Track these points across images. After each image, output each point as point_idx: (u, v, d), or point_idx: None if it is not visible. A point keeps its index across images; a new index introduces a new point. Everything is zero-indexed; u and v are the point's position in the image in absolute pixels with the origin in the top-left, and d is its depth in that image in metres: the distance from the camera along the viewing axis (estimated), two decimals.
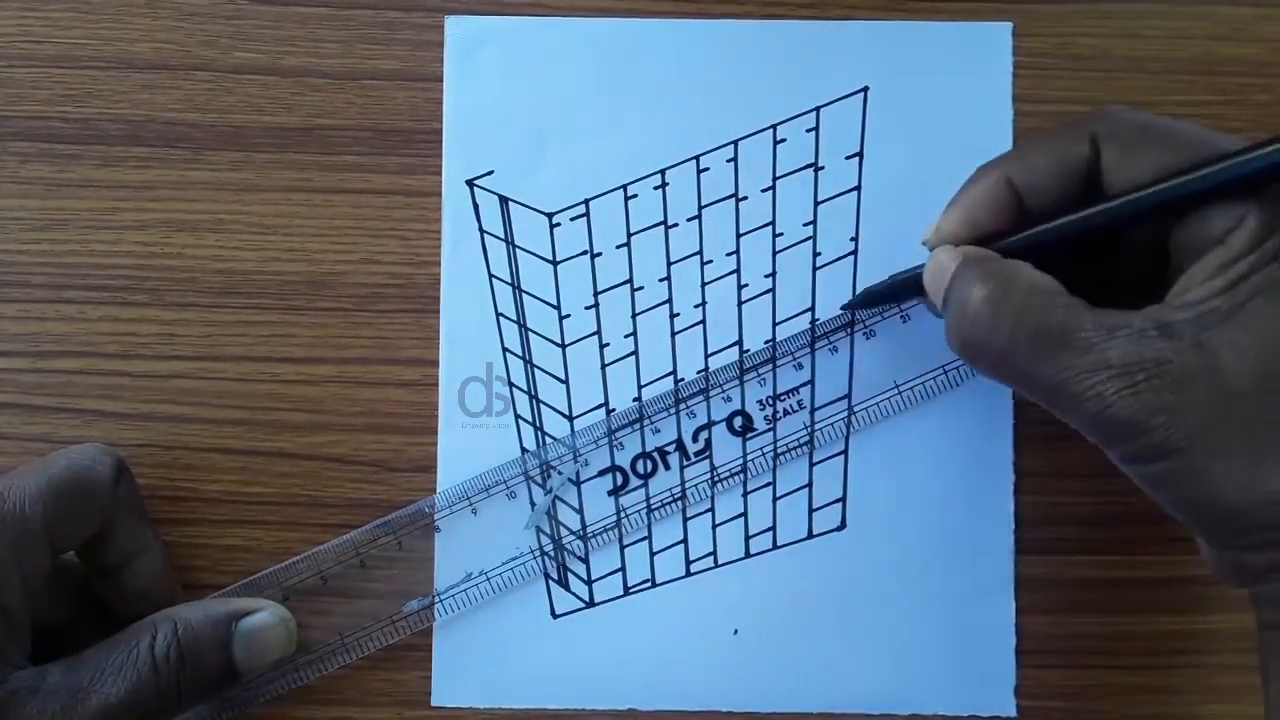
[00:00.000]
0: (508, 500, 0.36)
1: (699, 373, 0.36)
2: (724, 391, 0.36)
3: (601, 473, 0.36)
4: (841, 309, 0.36)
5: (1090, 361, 0.25)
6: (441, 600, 0.35)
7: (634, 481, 0.36)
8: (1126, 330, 0.25)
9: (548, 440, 0.36)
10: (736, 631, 0.36)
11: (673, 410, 0.36)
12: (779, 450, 0.36)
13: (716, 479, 0.36)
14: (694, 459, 0.36)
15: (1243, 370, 0.24)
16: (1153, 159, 0.27)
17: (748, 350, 0.36)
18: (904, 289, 0.33)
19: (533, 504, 0.36)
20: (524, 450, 0.36)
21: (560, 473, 0.36)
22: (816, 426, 0.36)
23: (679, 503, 0.36)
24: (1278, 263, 0.25)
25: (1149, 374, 0.25)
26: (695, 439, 0.36)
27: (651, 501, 0.36)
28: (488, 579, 0.35)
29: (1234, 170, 0.25)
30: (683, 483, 0.36)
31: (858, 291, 0.36)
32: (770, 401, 0.36)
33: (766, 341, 0.36)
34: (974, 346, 0.28)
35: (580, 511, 0.36)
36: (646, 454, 0.36)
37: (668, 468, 0.36)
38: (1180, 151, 0.26)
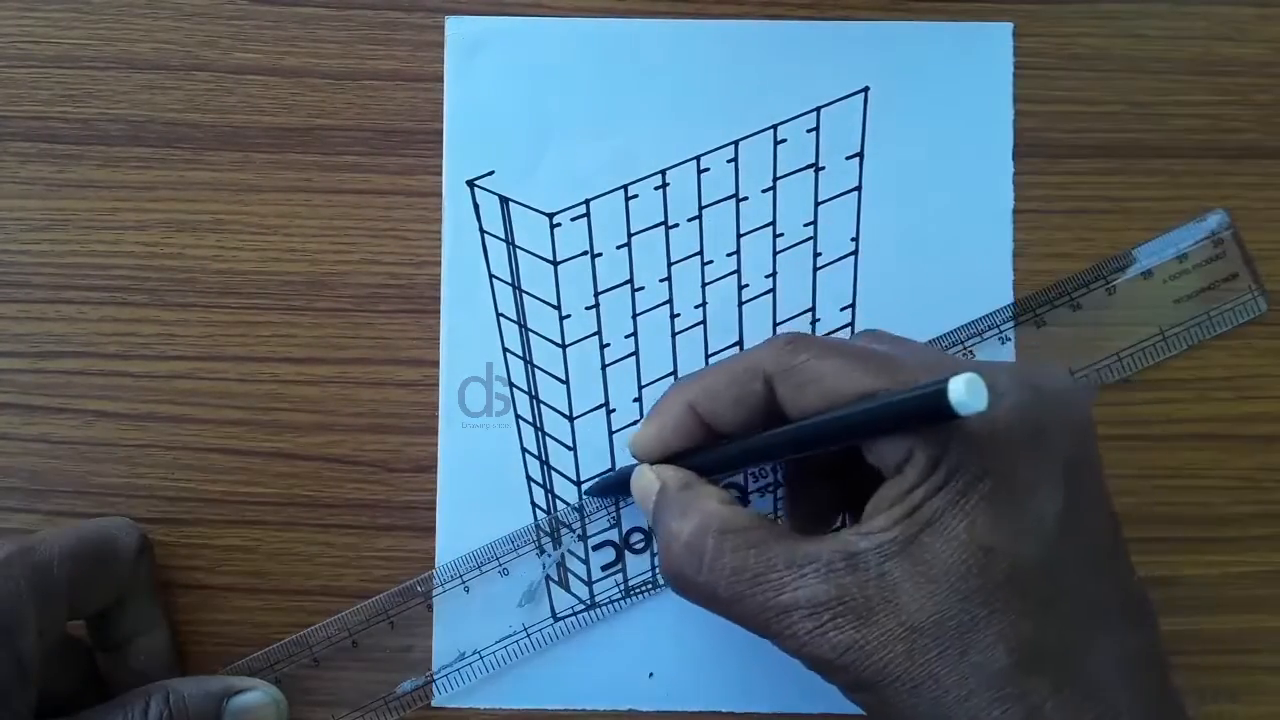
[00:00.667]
0: (500, 577, 0.36)
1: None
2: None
3: (598, 547, 0.36)
4: (585, 492, 0.36)
5: (784, 602, 0.26)
6: (437, 680, 0.35)
7: (629, 556, 0.36)
8: (814, 565, 0.25)
9: (540, 514, 0.36)
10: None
11: None
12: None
13: None
14: None
15: (917, 604, 0.24)
16: (821, 391, 0.27)
17: None
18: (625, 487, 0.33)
19: (544, 547, 0.36)
20: (524, 450, 0.36)
21: (554, 550, 0.36)
22: None
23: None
24: (942, 495, 0.25)
25: (835, 612, 0.25)
26: None
27: (652, 573, 0.36)
28: (481, 658, 0.35)
29: (881, 411, 0.25)
30: None
31: (597, 479, 0.36)
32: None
33: None
34: (682, 584, 0.28)
35: (580, 511, 0.36)
36: (644, 528, 0.36)
37: None
38: (854, 380, 0.26)
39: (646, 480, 0.31)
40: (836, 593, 0.25)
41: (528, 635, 0.36)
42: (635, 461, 0.32)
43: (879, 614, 0.25)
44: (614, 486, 0.35)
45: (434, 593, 0.36)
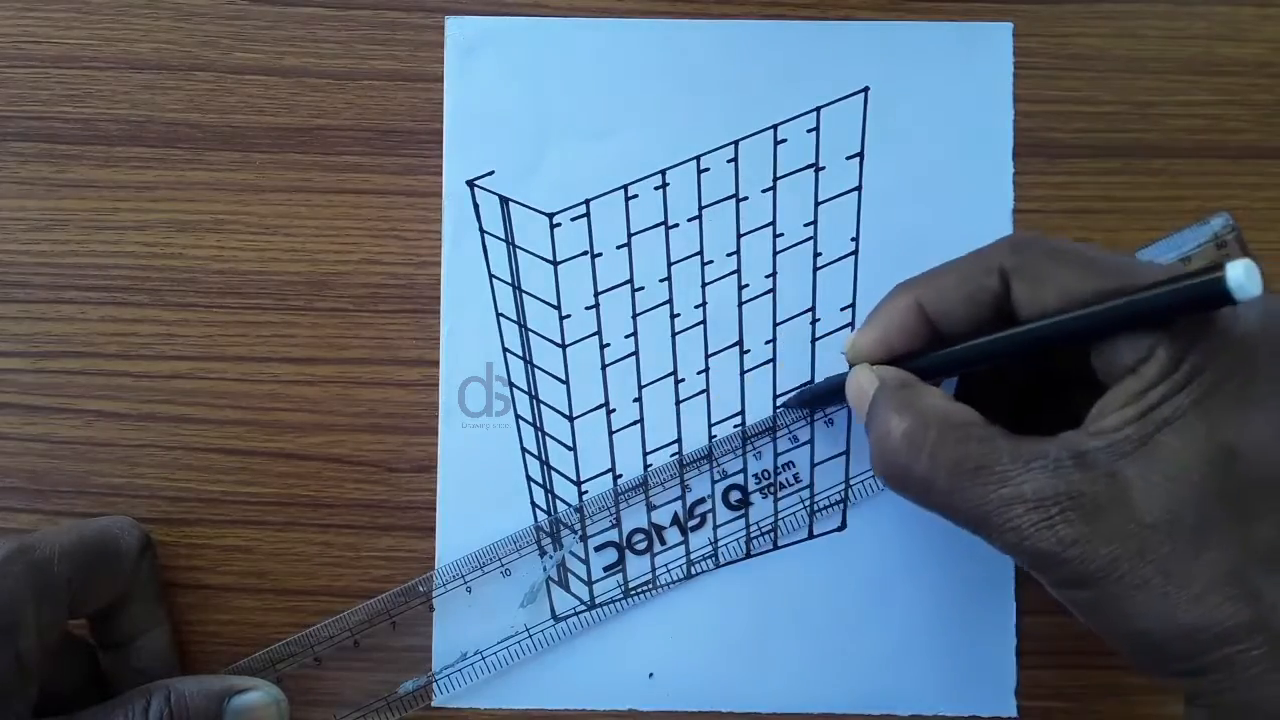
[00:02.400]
0: (502, 578, 0.36)
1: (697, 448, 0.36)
2: (720, 465, 0.36)
3: (599, 548, 0.36)
4: (780, 406, 0.36)
5: (1006, 495, 0.26)
6: (438, 680, 0.35)
7: (630, 557, 0.36)
8: (1041, 462, 0.25)
9: (540, 515, 0.36)
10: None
11: (668, 484, 0.36)
12: (778, 525, 0.36)
13: (716, 548, 0.36)
14: (691, 532, 0.36)
15: (1152, 502, 0.24)
16: (1060, 289, 0.27)
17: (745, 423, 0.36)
18: (835, 394, 0.33)
19: (545, 551, 0.36)
20: (524, 450, 0.36)
21: (555, 551, 0.36)
22: (816, 497, 0.36)
23: (664, 578, 0.36)
24: (1185, 394, 0.24)
25: (1063, 506, 0.25)
26: (692, 514, 0.36)
27: (652, 573, 0.36)
28: (483, 658, 0.35)
29: (1140, 304, 0.25)
30: (688, 554, 0.36)
31: (798, 391, 0.36)
32: (768, 474, 0.36)
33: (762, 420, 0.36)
34: (897, 478, 0.28)
35: (580, 511, 0.36)
36: (644, 529, 0.36)
37: (664, 542, 0.36)
38: (1091, 279, 0.26)
39: (864, 378, 0.30)
40: (1065, 488, 0.25)
41: (529, 636, 0.36)
42: (840, 372, 0.32)
43: (1109, 511, 0.25)
44: (816, 397, 0.35)
45: (435, 593, 0.36)
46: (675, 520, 0.36)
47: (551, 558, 0.36)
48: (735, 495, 0.36)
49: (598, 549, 0.36)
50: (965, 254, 0.30)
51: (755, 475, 0.36)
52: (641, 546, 0.36)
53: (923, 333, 0.30)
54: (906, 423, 0.28)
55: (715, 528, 0.36)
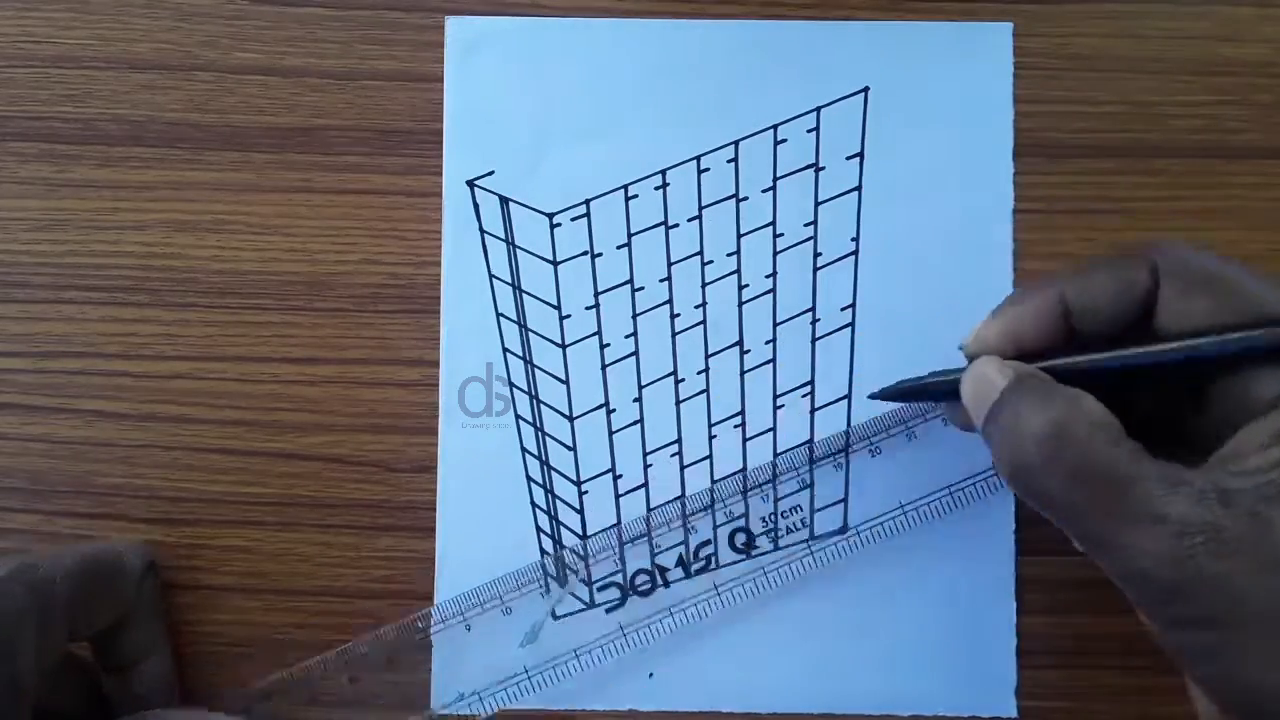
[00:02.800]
0: (502, 616, 0.36)
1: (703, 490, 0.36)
2: (726, 507, 0.36)
3: (602, 588, 0.36)
4: (870, 397, 0.34)
5: (1146, 515, 0.24)
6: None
7: (632, 598, 0.36)
8: (1188, 489, 0.24)
9: (547, 553, 0.36)
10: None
11: (674, 526, 0.36)
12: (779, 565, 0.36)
13: (718, 591, 0.36)
14: (693, 574, 0.36)
15: None
16: (1210, 304, 0.26)
17: (751, 467, 0.36)
18: (939, 391, 0.31)
19: (550, 575, 0.36)
20: (524, 450, 0.36)
21: (557, 589, 0.36)
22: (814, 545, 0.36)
23: (673, 618, 0.36)
24: None
25: (1207, 537, 0.23)
26: (697, 556, 0.36)
27: (650, 619, 0.36)
28: (480, 700, 0.35)
29: None
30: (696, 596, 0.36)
31: (895, 385, 0.33)
32: (772, 519, 0.36)
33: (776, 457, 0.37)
34: (1026, 476, 0.26)
35: (580, 511, 0.36)
36: (648, 570, 0.36)
37: (667, 585, 0.36)
38: (1238, 302, 0.25)
39: (992, 370, 0.28)
40: (1211, 518, 0.23)
41: (528, 677, 0.35)
42: (947, 368, 0.30)
43: (1251, 552, 0.23)
44: (920, 391, 0.32)
45: (434, 629, 0.35)
46: (680, 562, 0.36)
47: (554, 595, 0.36)
48: (741, 538, 0.36)
49: (600, 589, 0.36)
50: (1105, 256, 0.28)
51: (762, 518, 0.36)
52: (646, 588, 0.36)
53: (1059, 332, 0.28)
54: (1053, 414, 0.26)
55: (715, 529, 0.36)
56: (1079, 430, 0.25)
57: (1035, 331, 0.29)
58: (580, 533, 0.36)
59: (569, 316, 0.36)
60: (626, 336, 0.36)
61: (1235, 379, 0.25)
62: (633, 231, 0.36)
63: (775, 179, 0.36)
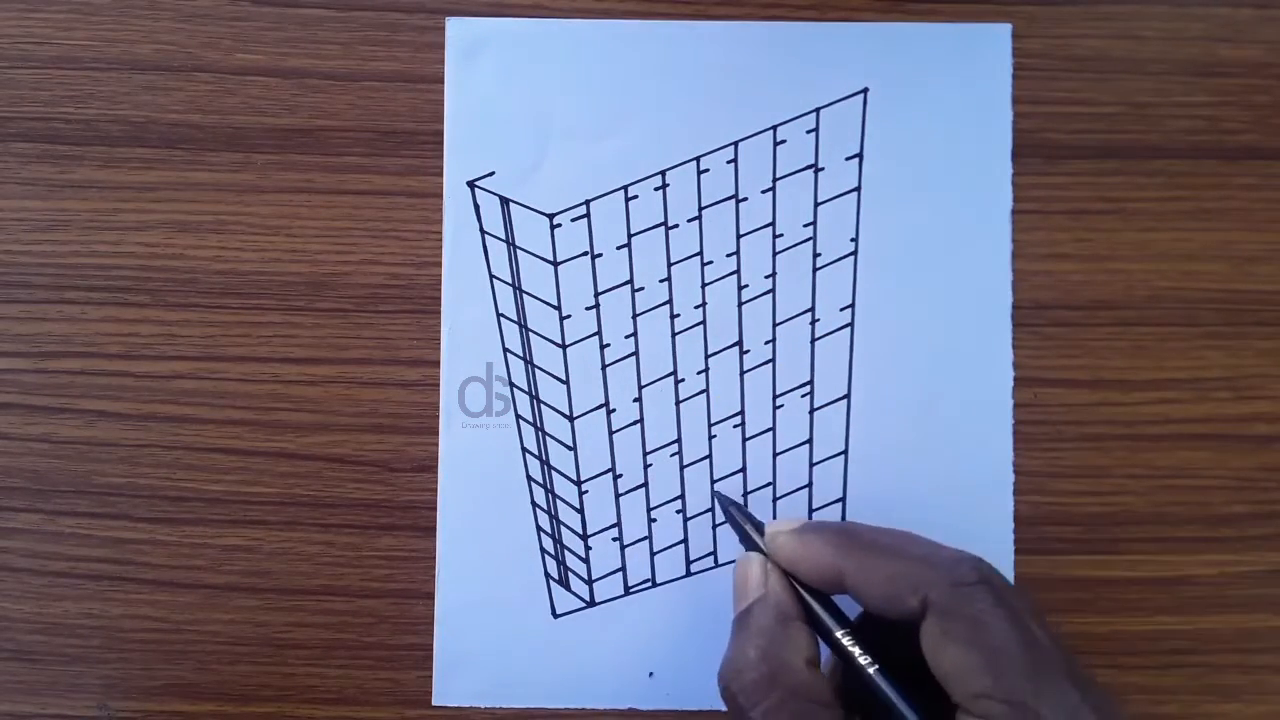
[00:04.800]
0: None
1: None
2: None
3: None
4: (716, 493, 0.36)
5: None
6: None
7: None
8: None
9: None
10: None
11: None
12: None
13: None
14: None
15: None
16: (969, 662, 0.27)
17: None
18: (741, 534, 0.33)
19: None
20: (525, 450, 0.36)
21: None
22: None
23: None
24: None
25: None
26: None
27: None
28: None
29: None
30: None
31: (731, 502, 0.35)
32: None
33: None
34: (728, 702, 0.29)
35: (580, 511, 0.36)
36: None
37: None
38: (976, 679, 0.26)
39: (754, 576, 0.31)
40: None
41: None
42: (758, 518, 0.33)
43: None
44: (736, 523, 0.34)
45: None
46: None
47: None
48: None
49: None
50: (920, 542, 0.30)
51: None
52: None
53: (835, 587, 0.30)
54: (761, 671, 0.28)
55: (714, 528, 0.36)
56: (776, 691, 0.28)
57: (812, 575, 0.30)
58: (580, 533, 0.36)
59: (569, 317, 0.36)
60: (626, 337, 0.36)
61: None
62: (633, 232, 0.36)
63: (775, 179, 0.37)
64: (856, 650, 0.29)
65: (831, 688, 0.29)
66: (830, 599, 0.30)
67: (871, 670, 0.28)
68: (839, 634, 0.29)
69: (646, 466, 0.37)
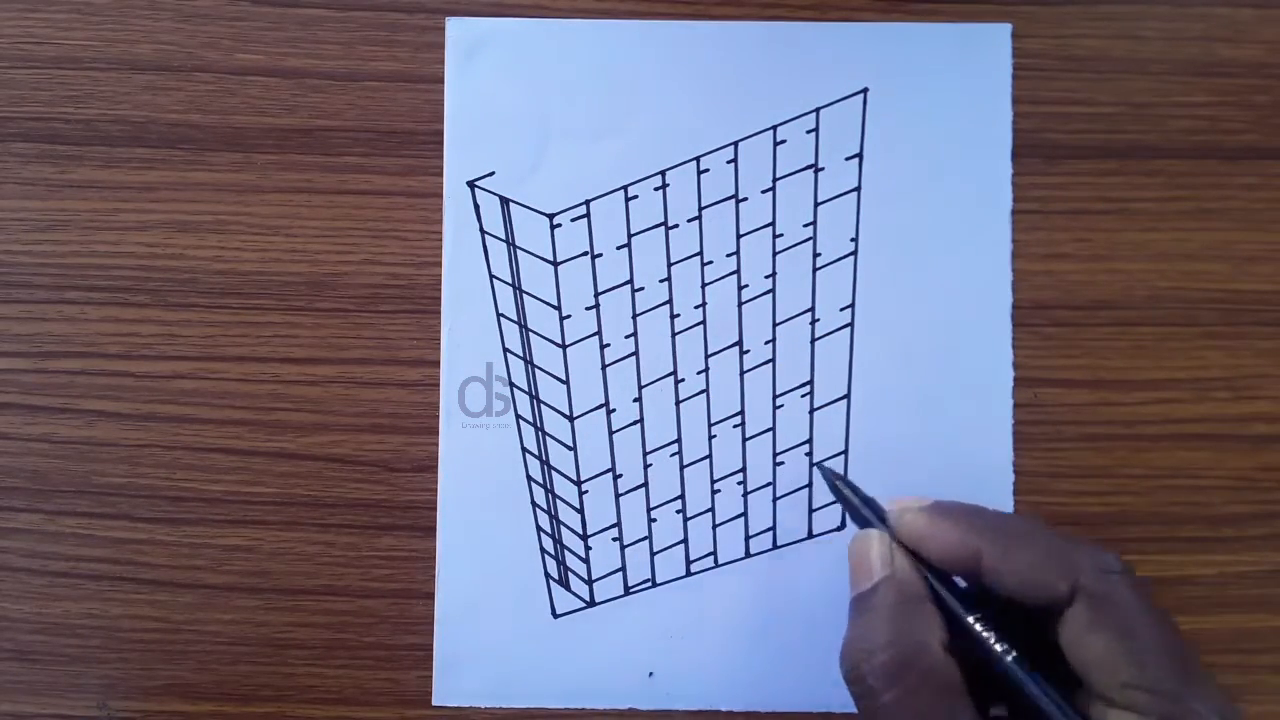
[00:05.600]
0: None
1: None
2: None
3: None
4: (817, 465, 0.36)
5: None
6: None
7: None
8: None
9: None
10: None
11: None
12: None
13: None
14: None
15: None
16: (1106, 651, 0.26)
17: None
18: (853, 511, 0.32)
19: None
20: (525, 450, 0.36)
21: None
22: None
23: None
24: None
25: None
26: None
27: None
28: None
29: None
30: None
31: (841, 478, 0.33)
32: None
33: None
34: (856, 684, 0.28)
35: (581, 511, 0.36)
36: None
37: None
38: (1127, 666, 0.26)
39: (876, 554, 0.29)
40: None
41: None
42: (878, 501, 0.31)
43: None
44: (847, 499, 0.32)
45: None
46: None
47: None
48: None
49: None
50: (1054, 532, 0.29)
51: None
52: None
53: (969, 569, 0.28)
54: (893, 653, 0.27)
55: (715, 528, 0.36)
56: (913, 674, 0.27)
57: (943, 557, 0.29)
58: (580, 533, 0.36)
59: (569, 317, 0.36)
60: (626, 337, 0.36)
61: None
62: (633, 232, 0.36)
63: (775, 179, 0.37)
64: (991, 637, 0.27)
65: (959, 675, 0.27)
66: (954, 582, 0.29)
67: (1009, 658, 0.27)
68: (972, 619, 0.28)
69: (646, 466, 0.37)
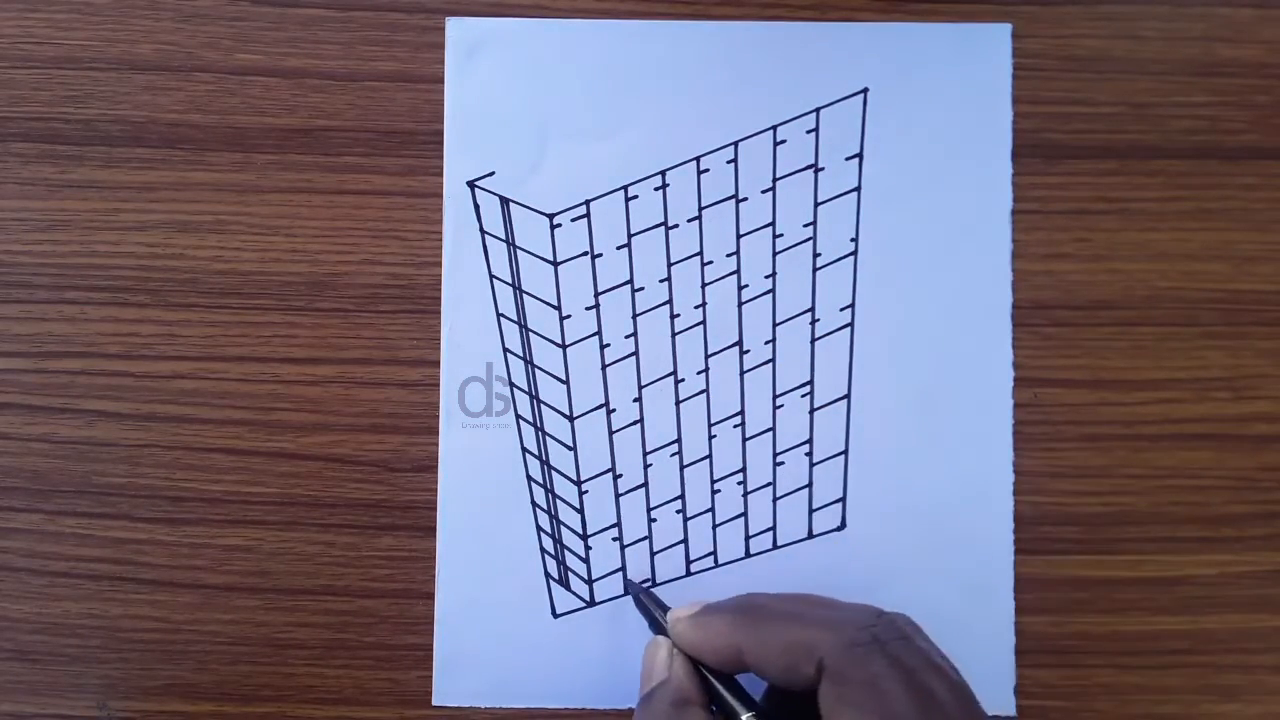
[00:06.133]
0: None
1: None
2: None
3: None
4: (629, 585, 0.36)
5: None
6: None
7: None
8: None
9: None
10: None
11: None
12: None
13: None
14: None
15: None
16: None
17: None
18: (650, 618, 0.34)
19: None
20: (525, 450, 0.36)
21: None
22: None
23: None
24: None
25: None
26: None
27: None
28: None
29: None
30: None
31: (639, 586, 0.36)
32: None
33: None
34: None
35: (581, 511, 0.36)
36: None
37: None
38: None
39: (658, 658, 0.32)
40: None
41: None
42: (662, 606, 0.33)
43: None
44: (645, 608, 0.34)
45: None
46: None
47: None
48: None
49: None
50: (819, 605, 0.30)
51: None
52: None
53: (737, 666, 0.30)
54: None
55: (715, 528, 0.36)
56: None
57: (713, 657, 0.31)
58: (580, 533, 0.36)
59: (569, 317, 0.36)
60: (626, 337, 0.36)
61: None
62: (633, 232, 0.36)
63: (775, 180, 0.37)
64: None
65: None
66: (737, 681, 0.31)
67: None
68: (745, 717, 0.30)
69: (646, 466, 0.37)
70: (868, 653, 0.27)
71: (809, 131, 0.37)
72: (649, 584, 0.36)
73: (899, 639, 0.28)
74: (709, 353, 0.37)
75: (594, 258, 0.36)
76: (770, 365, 0.37)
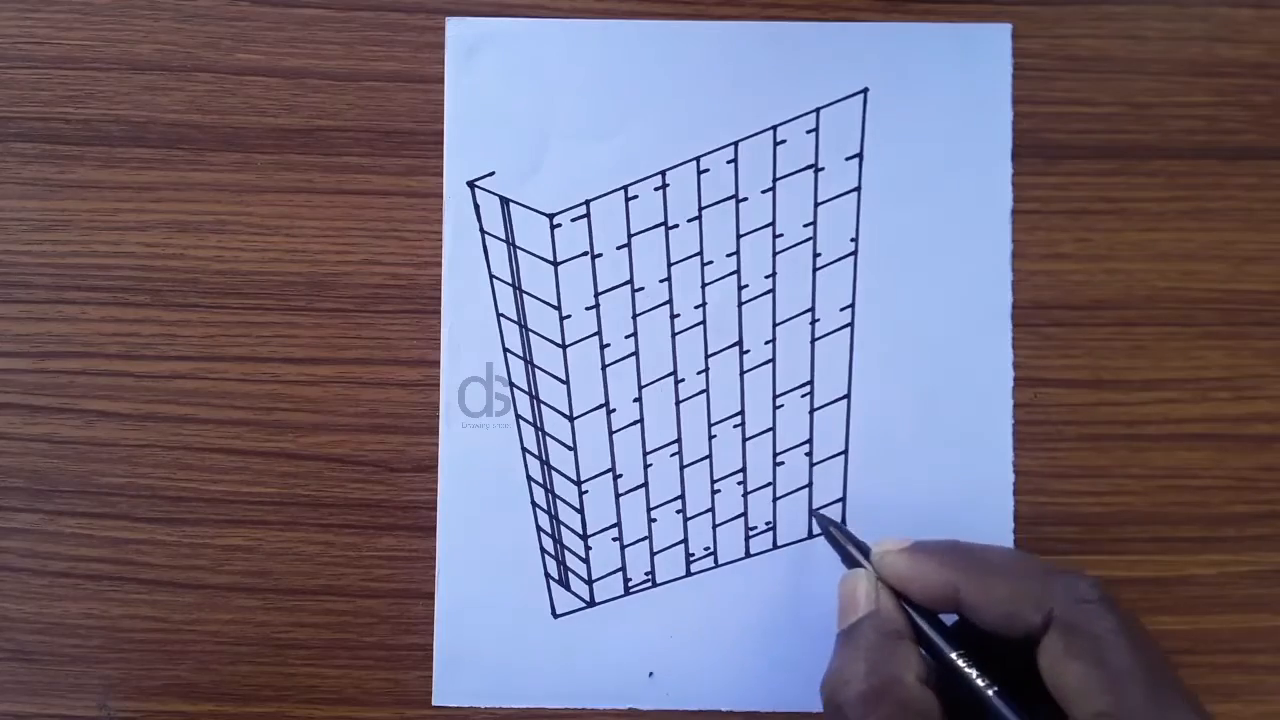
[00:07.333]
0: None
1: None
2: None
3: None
4: (815, 512, 0.36)
5: None
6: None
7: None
8: None
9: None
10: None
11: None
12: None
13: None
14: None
15: None
16: (1089, 679, 0.27)
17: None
18: (841, 551, 0.33)
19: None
20: (525, 450, 0.36)
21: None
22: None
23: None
24: None
25: None
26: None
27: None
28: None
29: None
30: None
31: (831, 521, 0.34)
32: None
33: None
34: (830, 710, 0.29)
35: (581, 511, 0.36)
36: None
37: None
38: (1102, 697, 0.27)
39: (863, 591, 0.31)
40: None
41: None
42: (865, 542, 0.32)
43: None
44: (838, 542, 0.33)
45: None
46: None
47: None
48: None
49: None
50: (1035, 561, 0.30)
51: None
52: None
53: (949, 605, 0.30)
54: (872, 683, 0.28)
55: (715, 528, 0.36)
56: (888, 705, 0.28)
57: (924, 594, 0.30)
58: (580, 533, 0.36)
59: (569, 317, 0.36)
60: (626, 337, 0.36)
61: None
62: (633, 232, 0.36)
63: (775, 180, 0.37)
64: (974, 672, 0.28)
65: (941, 706, 0.28)
66: (939, 619, 0.30)
67: (990, 692, 0.28)
68: (953, 655, 0.29)
69: (646, 466, 0.37)
70: (1097, 608, 0.27)
71: (809, 131, 0.37)
72: (650, 584, 0.36)
73: (1121, 605, 0.28)
74: (709, 353, 0.37)
75: (594, 258, 0.36)
76: (770, 365, 0.37)
